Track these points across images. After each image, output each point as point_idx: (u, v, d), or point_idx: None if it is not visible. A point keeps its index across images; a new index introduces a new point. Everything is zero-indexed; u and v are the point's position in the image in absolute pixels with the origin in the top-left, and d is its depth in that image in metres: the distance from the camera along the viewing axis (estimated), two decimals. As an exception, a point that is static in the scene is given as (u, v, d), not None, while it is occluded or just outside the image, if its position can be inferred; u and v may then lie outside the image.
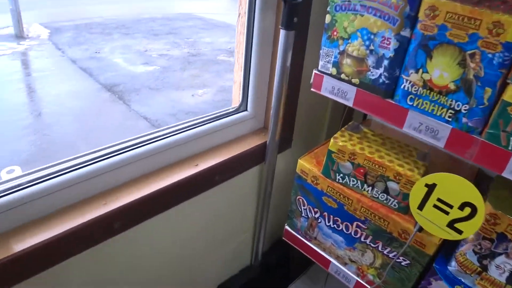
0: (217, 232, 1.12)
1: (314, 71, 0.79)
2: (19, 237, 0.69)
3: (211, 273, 1.21)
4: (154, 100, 3.40)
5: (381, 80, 0.70)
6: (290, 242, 1.10)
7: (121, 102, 3.30)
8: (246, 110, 1.08)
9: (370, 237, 0.86)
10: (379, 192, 0.82)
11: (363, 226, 0.86)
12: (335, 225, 0.93)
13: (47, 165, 0.77)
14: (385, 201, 0.82)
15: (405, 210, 0.80)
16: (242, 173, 1.05)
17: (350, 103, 0.76)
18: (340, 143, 0.83)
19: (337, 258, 0.98)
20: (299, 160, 0.95)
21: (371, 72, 0.71)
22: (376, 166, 0.79)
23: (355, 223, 0.88)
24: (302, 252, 1.07)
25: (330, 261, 1.00)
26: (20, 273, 0.69)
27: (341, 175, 0.86)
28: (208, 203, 1.01)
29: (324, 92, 0.79)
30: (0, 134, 2.66)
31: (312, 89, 0.81)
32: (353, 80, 0.74)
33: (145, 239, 0.90)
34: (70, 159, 0.79)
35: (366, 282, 0.93)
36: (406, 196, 0.78)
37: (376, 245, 0.86)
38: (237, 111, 1.07)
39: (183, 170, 0.91)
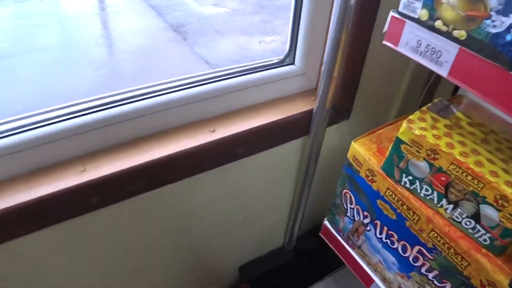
0: (244, 209, 0.92)
1: (391, 13, 0.50)
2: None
3: (233, 252, 1.04)
4: (218, 44, 3.20)
5: (509, 38, 0.40)
6: (327, 242, 0.87)
7: (184, 43, 3.16)
8: (293, 63, 0.81)
9: (436, 272, 0.59)
10: (464, 216, 0.54)
11: (428, 255, 0.60)
12: (388, 240, 0.67)
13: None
14: (470, 231, 0.54)
15: (499, 250, 0.52)
16: (278, 146, 0.82)
17: (444, 71, 0.46)
18: (417, 131, 0.55)
19: (384, 280, 0.73)
20: (352, 142, 0.68)
21: (493, 21, 0.41)
22: (469, 177, 0.51)
23: (417, 247, 0.61)
24: (341, 258, 0.84)
25: (373, 281, 0.76)
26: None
27: (410, 177, 0.59)
28: (231, 177, 0.81)
29: (403, 49, 0.50)
30: (65, 67, 2.70)
31: (384, 42, 0.52)
32: (456, 33, 0.44)
33: (160, 208, 0.75)
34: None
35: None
36: (507, 233, 0.49)
37: (443, 285, 0.60)
38: (281, 63, 0.81)
39: (195, 135, 0.70)
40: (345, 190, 0.74)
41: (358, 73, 0.77)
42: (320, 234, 0.88)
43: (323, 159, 0.88)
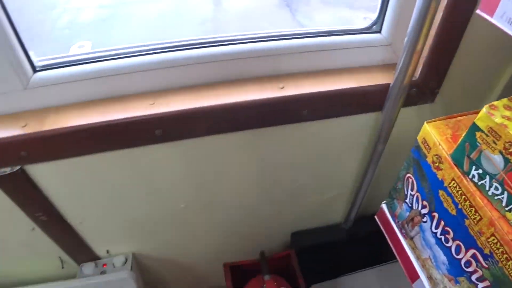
0: (306, 175, 0.93)
1: (491, -25, 0.43)
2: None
3: (290, 216, 1.06)
4: (321, 15, 3.11)
5: None
6: (381, 226, 0.83)
7: (287, 10, 3.13)
8: (379, 32, 0.76)
9: (486, 283, 0.53)
10: (537, 224, 0.47)
11: (483, 262, 0.54)
12: (442, 237, 0.62)
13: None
14: (542, 243, 0.47)
15: None
16: (348, 117, 0.79)
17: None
18: (497, 119, 0.48)
19: (430, 279, 0.68)
20: (425, 123, 0.63)
21: None
22: (551, 180, 0.43)
23: (471, 251, 0.55)
24: (391, 245, 0.80)
25: (418, 277, 0.71)
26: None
27: (480, 171, 0.53)
28: (296, 137, 0.81)
29: (498, 20, 0.44)
30: (171, 20, 2.90)
31: (478, 11, 0.46)
32: None
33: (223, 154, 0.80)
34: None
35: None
36: None
37: (494, 297, 0.54)
38: (367, 30, 0.76)
39: (263, 89, 0.71)
40: (408, 174, 0.69)
41: (451, 49, 0.69)
42: (375, 216, 0.84)
43: (393, 141, 0.83)
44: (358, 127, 0.83)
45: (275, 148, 0.81)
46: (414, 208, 0.69)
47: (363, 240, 1.12)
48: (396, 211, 0.76)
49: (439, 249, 0.63)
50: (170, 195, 0.85)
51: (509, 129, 0.47)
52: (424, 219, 0.66)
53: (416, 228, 0.69)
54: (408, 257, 0.74)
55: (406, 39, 0.63)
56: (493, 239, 0.51)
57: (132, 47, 0.70)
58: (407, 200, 0.71)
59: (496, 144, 0.49)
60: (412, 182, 0.68)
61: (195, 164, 0.79)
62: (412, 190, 0.69)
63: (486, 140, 0.50)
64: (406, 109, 0.79)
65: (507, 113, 0.49)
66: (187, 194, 0.86)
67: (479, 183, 0.53)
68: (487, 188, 0.52)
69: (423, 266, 0.70)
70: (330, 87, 0.72)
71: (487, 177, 0.52)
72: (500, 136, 0.48)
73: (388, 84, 0.74)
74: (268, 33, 0.74)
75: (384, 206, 0.80)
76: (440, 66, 0.74)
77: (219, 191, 0.88)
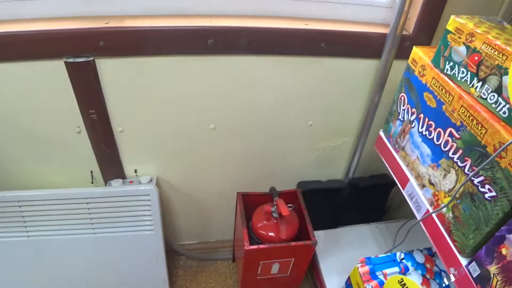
0: (316, 113, 1.14)
1: None
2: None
3: (297, 164, 1.28)
4: None
5: None
6: (379, 152, 1.06)
7: None
8: (383, -5, 1.05)
9: (460, 152, 0.75)
10: (489, 91, 0.71)
11: (456, 134, 0.76)
12: (427, 132, 0.85)
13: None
14: (493, 105, 0.70)
15: (515, 121, 0.67)
16: (354, 59, 1.04)
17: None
18: (461, 21, 0.74)
19: (417, 177, 0.90)
20: (414, 47, 0.89)
21: None
22: (496, 52, 0.68)
23: (448, 130, 0.78)
24: (386, 164, 1.02)
25: (408, 180, 0.93)
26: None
27: (451, 64, 0.77)
28: (314, 70, 1.04)
29: None
30: None
31: None
32: None
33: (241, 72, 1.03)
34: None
35: (437, 216, 0.84)
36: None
37: (464, 163, 0.76)
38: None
39: (292, 24, 0.98)
40: (401, 94, 0.93)
41: (439, 6, 0.97)
42: (375, 147, 1.07)
43: (387, 92, 1.07)
44: (362, 71, 1.06)
45: (298, 78, 1.04)
46: (405, 119, 0.93)
47: (361, 196, 1.33)
48: (391, 131, 0.99)
49: (424, 144, 0.86)
50: (204, 112, 1.07)
51: (469, 25, 0.73)
52: (413, 125, 0.90)
53: (407, 136, 0.92)
54: (400, 167, 0.95)
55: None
56: (462, 110, 0.74)
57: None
58: (399, 117, 0.95)
59: (461, 38, 0.75)
60: (404, 98, 0.93)
61: (233, 82, 1.02)
62: (403, 105, 0.93)
63: (454, 38, 0.76)
64: (401, 62, 1.05)
65: (469, 21, 0.76)
66: (219, 114, 1.08)
67: (451, 73, 0.78)
68: (456, 75, 0.76)
69: (412, 169, 0.92)
70: (342, 28, 0.99)
71: (456, 66, 0.76)
72: (463, 31, 0.74)
73: (386, 34, 1.01)
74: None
75: (381, 132, 1.04)
76: (430, 22, 1.00)
77: (248, 115, 1.10)
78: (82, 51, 0.92)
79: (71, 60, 0.93)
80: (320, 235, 1.29)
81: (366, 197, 1.33)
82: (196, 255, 1.46)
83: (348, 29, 1.00)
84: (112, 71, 0.96)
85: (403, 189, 0.95)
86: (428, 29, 1.02)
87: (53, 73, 0.95)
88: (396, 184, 1.30)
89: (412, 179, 0.92)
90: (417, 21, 1.01)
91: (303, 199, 1.20)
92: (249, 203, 1.20)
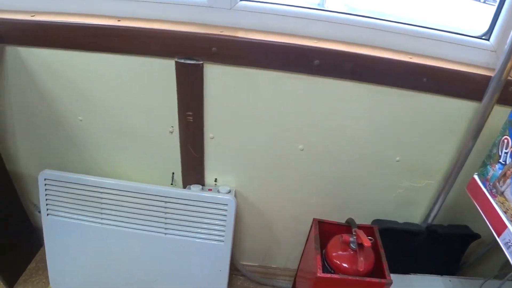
0: (403, 150, 1.18)
1: None
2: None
3: (375, 199, 1.31)
4: None
5: None
6: (470, 195, 1.06)
7: None
8: (488, 40, 1.10)
9: None
10: None
11: None
12: (533, 178, 0.86)
13: None
14: None
15: None
16: (453, 98, 1.07)
17: None
18: None
19: (517, 224, 0.90)
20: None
21: None
22: None
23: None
24: (478, 208, 1.02)
25: (505, 227, 0.93)
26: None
27: None
28: (411, 105, 1.08)
29: None
30: None
31: None
32: None
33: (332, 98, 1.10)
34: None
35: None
36: None
37: None
38: (479, 36, 1.10)
39: (396, 56, 1.05)
40: (504, 137, 0.95)
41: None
42: (466, 189, 1.08)
43: (483, 138, 1.10)
44: (459, 112, 1.08)
45: (393, 111, 1.09)
46: (507, 163, 0.94)
47: (437, 245, 1.31)
48: (488, 175, 1.00)
49: (528, 190, 0.87)
50: (296, 131, 1.14)
51: None
52: (517, 169, 0.91)
53: (508, 181, 0.94)
54: (495, 212, 0.96)
55: (507, 43, 0.96)
56: None
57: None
58: (501, 160, 0.96)
59: None
60: (508, 141, 0.95)
61: (330, 105, 1.09)
62: (506, 148, 0.95)
63: None
64: (502, 108, 1.07)
65: None
66: (310, 135, 1.15)
67: None
68: None
69: (511, 216, 0.92)
70: (445, 66, 1.04)
71: None
72: None
73: (489, 77, 1.04)
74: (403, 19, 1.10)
75: (475, 176, 1.05)
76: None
77: (337, 141, 1.16)
78: (194, 54, 1.04)
79: (182, 61, 1.05)
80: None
81: (442, 247, 1.32)
82: (256, 278, 1.48)
83: (452, 67, 1.05)
84: (217, 77, 1.07)
85: (499, 237, 0.94)
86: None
87: (162, 71, 1.08)
88: (477, 237, 1.29)
89: (510, 226, 0.92)
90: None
91: (379, 237, 1.21)
92: (323, 231, 1.22)
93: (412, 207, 1.32)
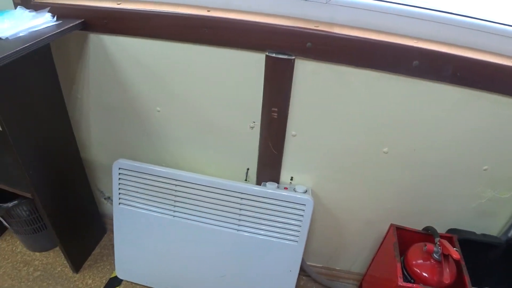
0: (491, 158, 1.09)
1: None
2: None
3: (454, 208, 1.22)
4: None
5: None
6: None
7: None
8: None
9: None
10: None
11: None
12: None
13: None
14: None
15: None
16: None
17: None
18: None
19: None
20: None
21: None
22: None
23: None
24: None
25: None
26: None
27: None
28: (504, 117, 1.00)
29: None
30: None
31: None
32: None
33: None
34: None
35: None
36: None
37: None
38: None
39: (500, 60, 0.96)
40: None
41: None
42: None
43: None
44: None
45: (488, 118, 1.00)
46: None
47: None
48: None
49: None
50: (382, 133, 1.07)
51: None
52: None
53: None
54: None
55: None
56: None
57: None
58: None
59: None
60: None
61: (422, 108, 1.02)
62: None
63: None
64: None
65: None
66: (395, 139, 1.08)
67: None
68: None
69: None
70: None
71: None
72: None
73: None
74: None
75: None
76: None
77: (422, 146, 1.08)
78: (286, 48, 0.99)
79: (273, 55, 0.99)
80: (464, 291, 1.20)
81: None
82: (320, 279, 1.43)
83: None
84: (307, 74, 1.02)
85: None
86: None
87: (251, 65, 1.04)
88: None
89: None
90: None
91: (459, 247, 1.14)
92: (399, 237, 1.16)
93: (492, 219, 1.24)
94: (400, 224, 1.20)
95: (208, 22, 1.00)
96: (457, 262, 1.12)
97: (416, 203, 1.22)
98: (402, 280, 1.03)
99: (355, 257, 1.40)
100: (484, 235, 1.25)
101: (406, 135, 1.08)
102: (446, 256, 1.03)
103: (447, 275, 1.01)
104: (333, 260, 1.44)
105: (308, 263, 1.45)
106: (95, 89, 1.23)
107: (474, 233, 1.24)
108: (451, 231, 1.25)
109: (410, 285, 1.03)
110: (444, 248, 1.02)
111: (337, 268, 1.46)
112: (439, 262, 1.04)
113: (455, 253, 1.00)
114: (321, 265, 1.46)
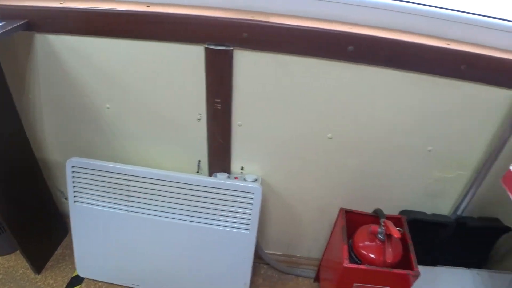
0: (435, 139, 1.11)
1: None
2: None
3: (403, 190, 1.24)
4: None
5: None
6: (506, 188, 0.99)
7: None
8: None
9: None
10: None
11: None
12: None
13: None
14: None
15: None
16: (491, 87, 0.99)
17: None
18: None
19: None
20: None
21: None
22: None
23: None
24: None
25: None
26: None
27: None
28: (442, 97, 1.02)
29: None
30: None
31: None
32: None
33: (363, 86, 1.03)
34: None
35: None
36: None
37: None
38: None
39: (433, 42, 0.97)
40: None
41: None
42: (501, 181, 1.01)
43: None
44: (496, 102, 1.00)
45: (427, 99, 1.02)
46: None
47: (466, 237, 1.24)
48: (529, 165, 0.93)
49: None
50: (325, 119, 1.08)
51: None
52: None
53: (552, 172, 0.86)
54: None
55: None
56: None
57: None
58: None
59: None
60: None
61: (361, 93, 1.02)
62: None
63: None
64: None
65: None
66: (339, 124, 1.08)
67: None
68: None
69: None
70: (486, 53, 0.97)
71: None
72: None
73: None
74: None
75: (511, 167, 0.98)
76: None
77: (367, 130, 1.09)
78: (224, 40, 0.98)
79: (212, 47, 0.99)
80: (417, 270, 1.21)
81: (471, 239, 1.24)
82: (280, 267, 1.43)
83: (491, 54, 0.97)
84: (247, 64, 1.02)
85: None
86: None
87: (192, 58, 1.03)
88: (508, 231, 1.22)
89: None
90: None
91: (408, 227, 1.15)
92: (350, 221, 1.16)
93: (442, 199, 1.25)
94: (354, 209, 1.21)
95: (148, 17, 1.00)
96: (404, 241, 1.13)
97: (367, 187, 1.23)
98: (348, 261, 1.04)
99: (313, 243, 1.41)
100: (434, 214, 1.26)
101: (349, 120, 1.08)
102: (389, 236, 1.04)
103: (390, 255, 1.02)
104: (292, 247, 1.44)
105: (268, 251, 1.45)
106: (46, 88, 1.21)
107: (424, 213, 1.26)
108: (402, 212, 1.26)
109: (355, 266, 1.03)
110: (387, 229, 1.03)
111: (296, 255, 1.46)
112: (383, 242, 1.05)
113: (396, 232, 1.00)
114: (280, 253, 1.46)
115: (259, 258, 1.41)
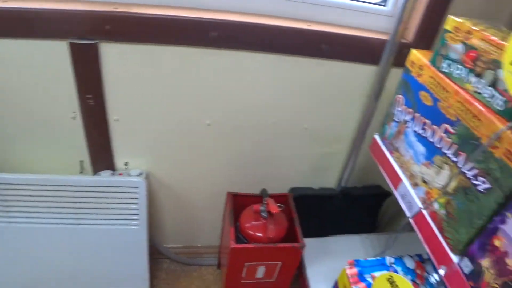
0: (312, 115, 1.16)
1: None
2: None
3: (291, 168, 1.28)
4: None
5: None
6: (373, 156, 1.07)
7: None
8: (384, 5, 1.09)
9: (454, 147, 0.76)
10: (484, 86, 0.73)
11: (451, 130, 0.78)
12: (422, 130, 0.86)
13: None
14: (488, 99, 0.72)
15: (510, 114, 0.69)
16: (353, 63, 1.06)
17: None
18: (460, 20, 0.78)
19: (410, 177, 0.90)
20: (412, 50, 0.92)
21: None
22: (492, 47, 0.71)
23: (443, 126, 0.80)
24: (379, 165, 1.03)
25: (401, 180, 0.93)
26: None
27: (448, 61, 0.80)
28: (309, 76, 1.06)
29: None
30: None
31: None
32: None
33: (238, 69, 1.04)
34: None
35: (429, 213, 0.83)
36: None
37: (457, 159, 0.77)
38: (377, 3, 1.09)
39: (294, 24, 1.01)
40: (398, 96, 0.95)
41: (437, 20, 1.01)
42: (369, 149, 1.08)
43: (384, 100, 1.10)
44: (360, 77, 1.09)
45: (296, 79, 1.06)
46: (400, 121, 0.94)
47: (353, 206, 1.32)
48: (386, 133, 1.00)
49: (418, 143, 0.87)
50: (201, 107, 1.08)
51: (466, 23, 0.76)
52: (408, 125, 0.91)
53: (401, 137, 0.94)
54: (392, 168, 0.96)
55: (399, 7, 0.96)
56: (458, 105, 0.76)
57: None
58: (395, 118, 0.96)
59: (458, 36, 0.78)
60: (400, 100, 0.95)
61: (232, 78, 1.03)
62: (399, 107, 0.95)
63: (451, 37, 0.79)
64: (399, 70, 1.07)
65: (468, 21, 0.79)
66: (216, 110, 1.09)
67: (448, 71, 0.80)
68: (453, 72, 0.79)
69: (406, 169, 0.92)
70: (343, 32, 1.03)
71: (452, 63, 0.79)
72: (460, 29, 0.77)
73: (385, 40, 1.04)
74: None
75: (376, 136, 1.05)
76: (429, 31, 1.04)
77: (244, 113, 1.11)
78: (88, 33, 0.93)
79: (76, 41, 0.94)
80: (309, 243, 1.26)
81: (358, 207, 1.33)
82: (181, 259, 1.42)
83: (348, 33, 1.03)
84: (115, 56, 0.98)
85: (396, 190, 0.95)
86: (427, 37, 1.06)
87: (56, 54, 0.96)
88: (389, 195, 1.31)
89: (405, 179, 0.92)
90: (417, 30, 1.05)
91: (294, 204, 1.19)
92: (239, 204, 1.18)
93: (327, 173, 1.32)
94: (245, 192, 1.23)
95: (2, 13, 0.92)
96: (290, 216, 1.17)
97: (254, 170, 1.26)
98: (234, 242, 1.06)
99: (210, 231, 1.41)
100: (321, 188, 1.33)
101: (224, 105, 1.09)
102: (271, 213, 1.07)
103: (272, 231, 1.05)
104: (191, 238, 1.44)
105: (168, 245, 1.43)
106: None
107: (312, 188, 1.32)
108: (291, 190, 1.31)
109: (240, 245, 1.06)
110: (267, 206, 1.06)
111: (197, 245, 1.47)
112: (267, 219, 1.08)
113: (275, 208, 1.04)
114: (181, 245, 1.45)
115: (159, 253, 1.40)
